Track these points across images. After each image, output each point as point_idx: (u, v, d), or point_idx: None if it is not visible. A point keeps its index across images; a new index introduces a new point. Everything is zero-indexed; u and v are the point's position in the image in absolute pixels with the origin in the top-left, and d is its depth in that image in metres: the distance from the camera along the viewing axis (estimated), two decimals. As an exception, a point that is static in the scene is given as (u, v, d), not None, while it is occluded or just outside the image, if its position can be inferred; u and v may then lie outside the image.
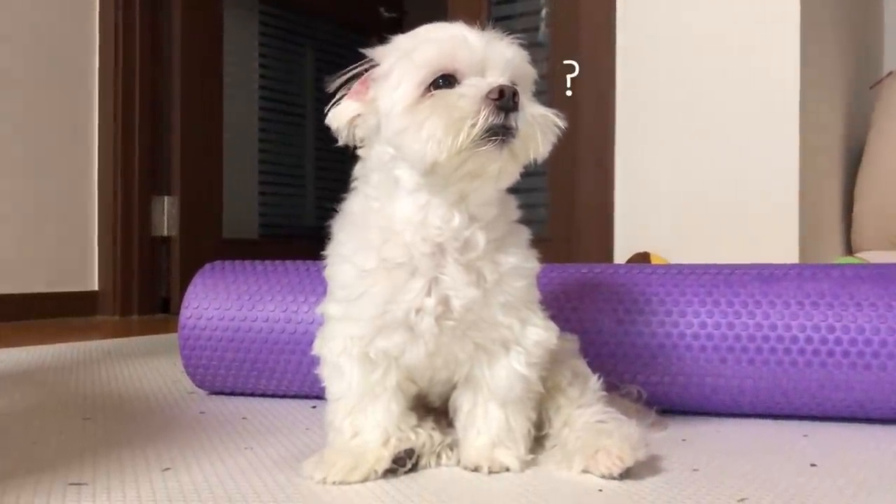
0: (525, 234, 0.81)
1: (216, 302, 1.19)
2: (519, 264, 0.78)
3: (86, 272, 2.73)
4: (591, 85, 1.99)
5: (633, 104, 1.91)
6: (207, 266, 1.25)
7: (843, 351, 1.02)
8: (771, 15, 1.77)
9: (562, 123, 0.74)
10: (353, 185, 0.80)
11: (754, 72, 1.79)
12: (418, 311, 0.75)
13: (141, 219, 2.79)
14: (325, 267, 0.80)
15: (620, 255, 1.86)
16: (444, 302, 0.75)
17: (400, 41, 0.77)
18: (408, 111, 0.72)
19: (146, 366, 1.53)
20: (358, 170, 0.79)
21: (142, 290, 2.80)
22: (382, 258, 0.75)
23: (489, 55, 0.73)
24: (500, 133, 0.70)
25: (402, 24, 3.79)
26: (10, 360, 1.60)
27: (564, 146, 2.05)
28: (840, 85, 2.10)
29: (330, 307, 0.79)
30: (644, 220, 1.87)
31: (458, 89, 0.72)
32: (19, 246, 2.52)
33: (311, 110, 3.48)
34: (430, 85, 0.73)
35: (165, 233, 2.87)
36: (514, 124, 0.71)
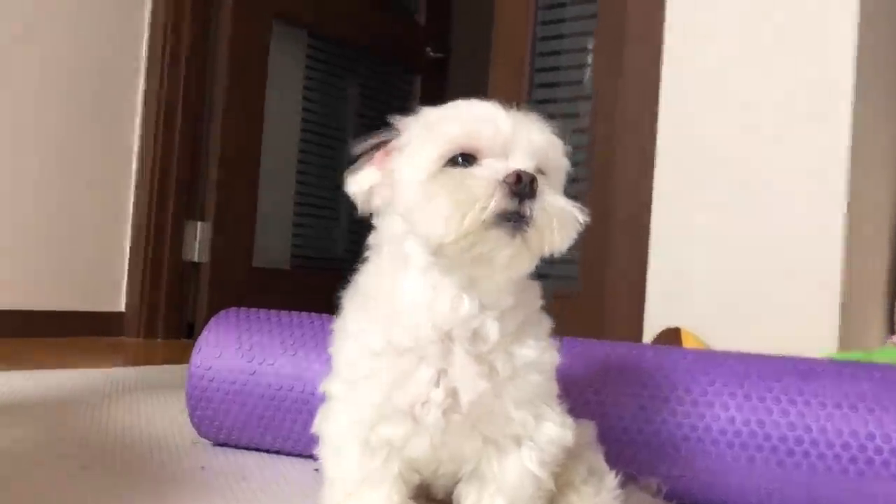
0: (546, 323, 0.77)
1: (227, 352, 1.16)
2: (536, 358, 0.73)
3: (114, 292, 2.73)
4: (631, 144, 1.94)
5: (674, 169, 1.86)
6: (223, 313, 1.22)
7: (884, 461, 0.95)
8: (821, 88, 1.71)
9: (582, 218, 0.70)
10: (365, 254, 0.76)
11: (801, 146, 1.73)
12: (425, 402, 0.70)
13: (172, 242, 2.80)
14: (331, 342, 0.76)
15: (651, 321, 1.80)
16: (453, 394, 0.70)
17: (427, 113, 0.73)
18: (421, 186, 0.68)
19: (155, 403, 1.50)
20: (371, 239, 0.76)
21: (168, 313, 2.80)
22: (389, 341, 0.71)
23: (516, 138, 0.70)
24: (513, 220, 0.66)
25: (447, 65, 3.79)
26: (22, 386, 1.58)
27: (600, 203, 1.99)
28: (891, 158, 2.02)
29: (333, 385, 0.75)
30: (678, 287, 1.81)
31: (472, 169, 0.68)
32: (52, 262, 2.54)
33: (350, 144, 3.47)
34: (449, 162, 0.69)
35: (196, 258, 2.87)
36: (528, 212, 0.66)
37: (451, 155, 0.69)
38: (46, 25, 2.48)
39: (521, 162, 0.69)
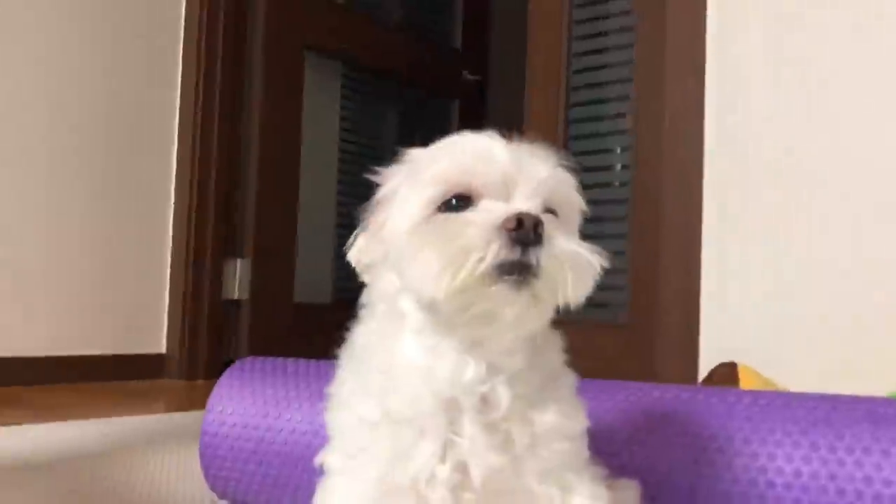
0: (570, 381, 0.67)
1: (241, 407, 1.08)
2: (559, 424, 0.63)
3: (155, 334, 2.71)
4: (677, 162, 1.83)
5: (725, 188, 1.74)
6: (237, 364, 1.15)
7: (978, 520, 0.82)
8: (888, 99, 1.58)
9: (599, 264, 0.60)
10: (360, 312, 0.67)
11: (867, 156, 1.59)
12: (429, 479, 0.61)
13: (212, 281, 2.77)
14: (326, 407, 0.68)
15: (706, 354, 1.67)
16: (462, 470, 0.61)
17: (414, 154, 0.65)
18: (410, 235, 0.60)
19: (178, 459, 1.43)
20: (365, 297, 0.67)
21: (209, 353, 2.76)
22: (385, 410, 0.62)
23: (517, 173, 0.60)
24: (517, 272, 0.57)
25: (486, 88, 3.72)
26: (44, 441, 1.53)
27: (648, 229, 1.88)
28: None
29: (330, 458, 0.67)
30: (734, 316, 1.68)
31: (465, 214, 0.59)
32: (91, 306, 2.52)
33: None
34: (442, 207, 0.60)
35: (236, 296, 2.83)
36: (534, 261, 0.57)
37: (442, 198, 0.60)
38: (83, 64, 2.49)
39: (525, 202, 0.60)
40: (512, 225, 0.57)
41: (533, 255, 0.57)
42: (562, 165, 0.63)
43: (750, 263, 1.67)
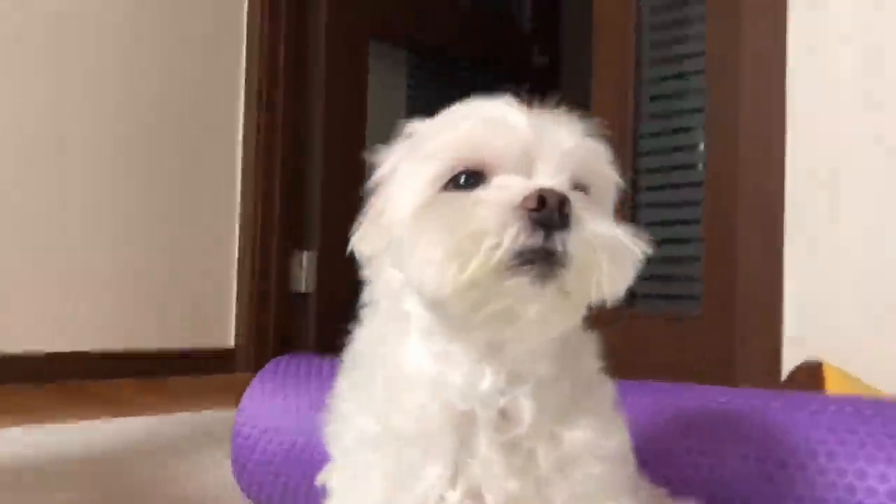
0: (608, 391, 0.57)
1: (274, 409, 1.02)
2: (593, 442, 0.53)
3: (223, 328, 2.71)
4: (754, 138, 1.67)
5: (809, 160, 1.58)
6: (272, 363, 1.09)
7: None
8: None
9: (640, 250, 0.50)
10: (360, 313, 0.59)
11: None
12: None
13: (279, 274, 2.75)
14: (325, 421, 0.60)
15: (790, 350, 1.52)
16: (476, 496, 0.52)
17: (417, 126, 0.56)
18: (411, 220, 0.51)
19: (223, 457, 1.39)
20: (366, 295, 0.59)
21: (277, 347, 2.74)
22: (387, 425, 0.53)
23: (539, 144, 0.51)
24: (540, 261, 0.47)
25: (558, 71, 3.58)
26: (93, 438, 1.52)
27: (725, 213, 1.74)
28: None
29: (332, 478, 0.59)
30: (822, 308, 1.53)
31: (477, 192, 0.50)
32: (160, 300, 2.53)
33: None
34: (449, 184, 0.51)
35: (303, 289, 2.81)
36: (560, 248, 0.47)
37: (449, 175, 0.51)
38: (151, 57, 2.50)
39: (548, 177, 0.50)
40: (533, 204, 0.47)
41: (559, 241, 0.48)
42: (592, 134, 0.54)
43: (840, 247, 1.51)
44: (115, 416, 1.75)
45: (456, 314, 0.50)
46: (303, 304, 2.82)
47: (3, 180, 2.21)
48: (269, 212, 2.72)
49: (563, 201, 0.47)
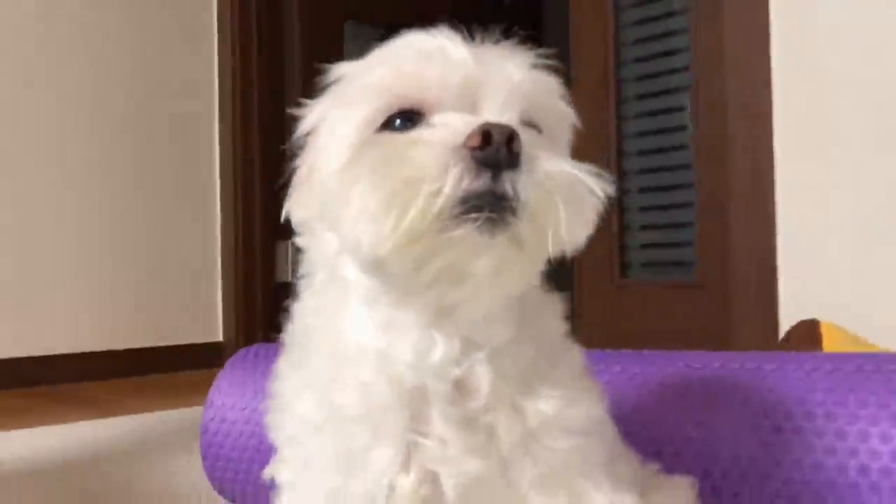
0: (575, 357, 0.51)
1: (242, 400, 0.97)
2: (560, 413, 0.48)
3: (211, 323, 2.66)
4: (743, 98, 1.61)
5: (799, 125, 1.52)
6: (241, 352, 1.04)
7: None
8: None
9: (601, 190, 0.44)
10: (297, 287, 0.54)
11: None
12: (389, 494, 0.46)
13: (264, 265, 2.69)
14: (266, 409, 0.54)
15: (788, 310, 1.47)
16: (432, 479, 0.46)
17: (343, 69, 0.50)
18: (342, 172, 0.45)
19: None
20: (303, 267, 0.53)
21: (265, 338, 2.69)
22: (330, 406, 0.48)
23: (483, 77, 0.45)
24: (488, 206, 0.41)
25: (540, 44, 3.51)
26: (66, 441, 1.47)
27: (715, 176, 1.68)
28: None
29: (279, 470, 0.53)
30: (817, 265, 1.47)
31: (413, 133, 0.44)
32: (146, 297, 2.48)
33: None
34: (383, 128, 0.45)
35: (289, 278, 2.75)
36: (510, 191, 0.42)
37: (382, 117, 0.45)
38: (122, 52, 2.43)
39: (494, 114, 0.44)
40: (477, 142, 0.42)
41: (508, 182, 0.42)
42: (542, 67, 0.48)
43: (833, 204, 1.45)
44: (103, 415, 1.71)
45: (397, 275, 0.44)
46: (289, 294, 2.77)
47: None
48: (251, 203, 2.66)
49: (511, 137, 0.42)
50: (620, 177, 1.88)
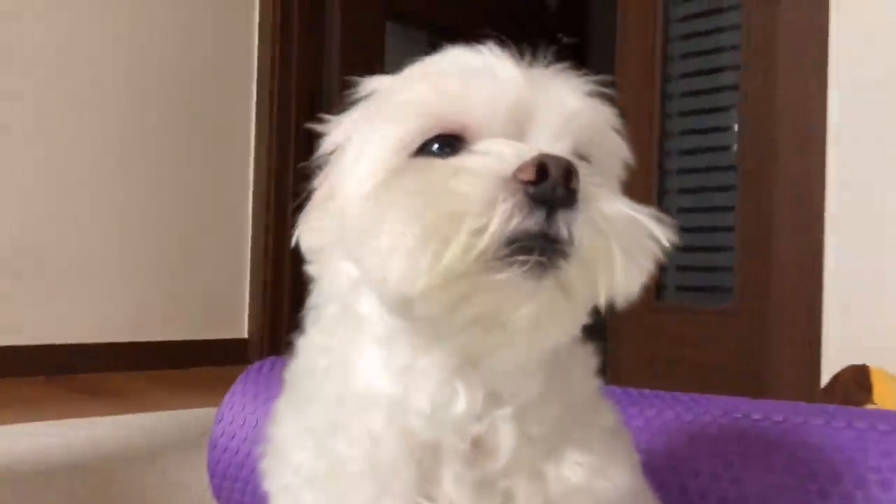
0: (608, 419, 0.46)
1: (253, 417, 0.93)
2: (586, 482, 0.42)
3: (237, 319, 2.64)
4: (793, 117, 1.54)
5: (852, 142, 1.44)
6: (254, 367, 1.00)
7: None
8: None
9: (664, 235, 0.39)
10: (305, 319, 0.49)
11: None
12: None
13: (293, 264, 2.67)
14: (262, 456, 0.50)
15: (830, 349, 1.39)
16: None
17: (376, 83, 0.45)
18: (371, 198, 0.40)
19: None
20: (311, 299, 0.49)
21: (292, 335, 2.67)
22: (330, 458, 0.43)
23: (536, 103, 0.40)
24: (539, 249, 0.37)
25: (585, 52, 3.44)
26: (82, 439, 1.45)
27: (760, 199, 1.60)
28: None
29: (271, 527, 0.49)
30: (867, 303, 1.39)
31: (456, 160, 0.39)
32: (173, 291, 2.47)
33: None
34: (420, 152, 0.40)
35: (318, 277, 2.73)
36: (565, 233, 0.37)
37: (419, 140, 0.40)
38: (161, 46, 2.42)
39: (545, 142, 0.39)
40: (531, 175, 0.37)
41: (563, 223, 0.37)
42: (597, 94, 0.42)
43: (889, 239, 1.37)
44: (126, 409, 1.70)
45: (426, 317, 0.39)
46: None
47: (12, 171, 2.16)
48: (283, 201, 2.64)
49: (569, 172, 0.36)
50: (660, 196, 1.82)
